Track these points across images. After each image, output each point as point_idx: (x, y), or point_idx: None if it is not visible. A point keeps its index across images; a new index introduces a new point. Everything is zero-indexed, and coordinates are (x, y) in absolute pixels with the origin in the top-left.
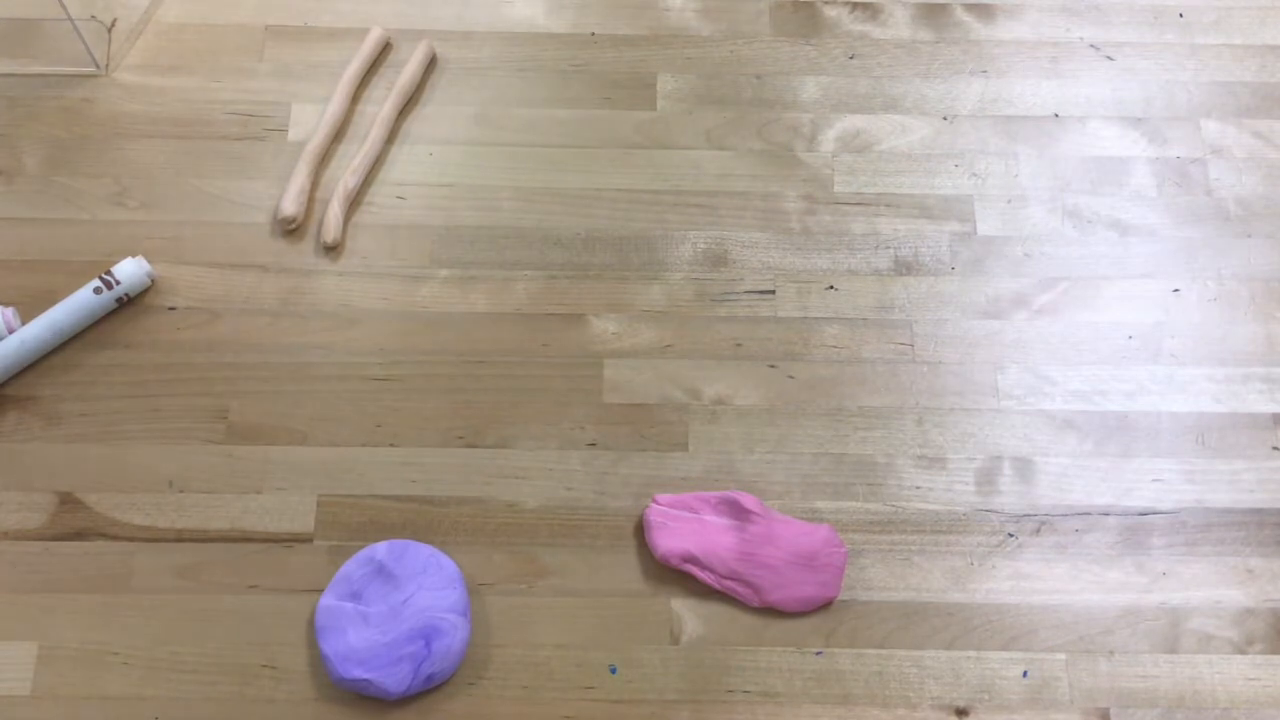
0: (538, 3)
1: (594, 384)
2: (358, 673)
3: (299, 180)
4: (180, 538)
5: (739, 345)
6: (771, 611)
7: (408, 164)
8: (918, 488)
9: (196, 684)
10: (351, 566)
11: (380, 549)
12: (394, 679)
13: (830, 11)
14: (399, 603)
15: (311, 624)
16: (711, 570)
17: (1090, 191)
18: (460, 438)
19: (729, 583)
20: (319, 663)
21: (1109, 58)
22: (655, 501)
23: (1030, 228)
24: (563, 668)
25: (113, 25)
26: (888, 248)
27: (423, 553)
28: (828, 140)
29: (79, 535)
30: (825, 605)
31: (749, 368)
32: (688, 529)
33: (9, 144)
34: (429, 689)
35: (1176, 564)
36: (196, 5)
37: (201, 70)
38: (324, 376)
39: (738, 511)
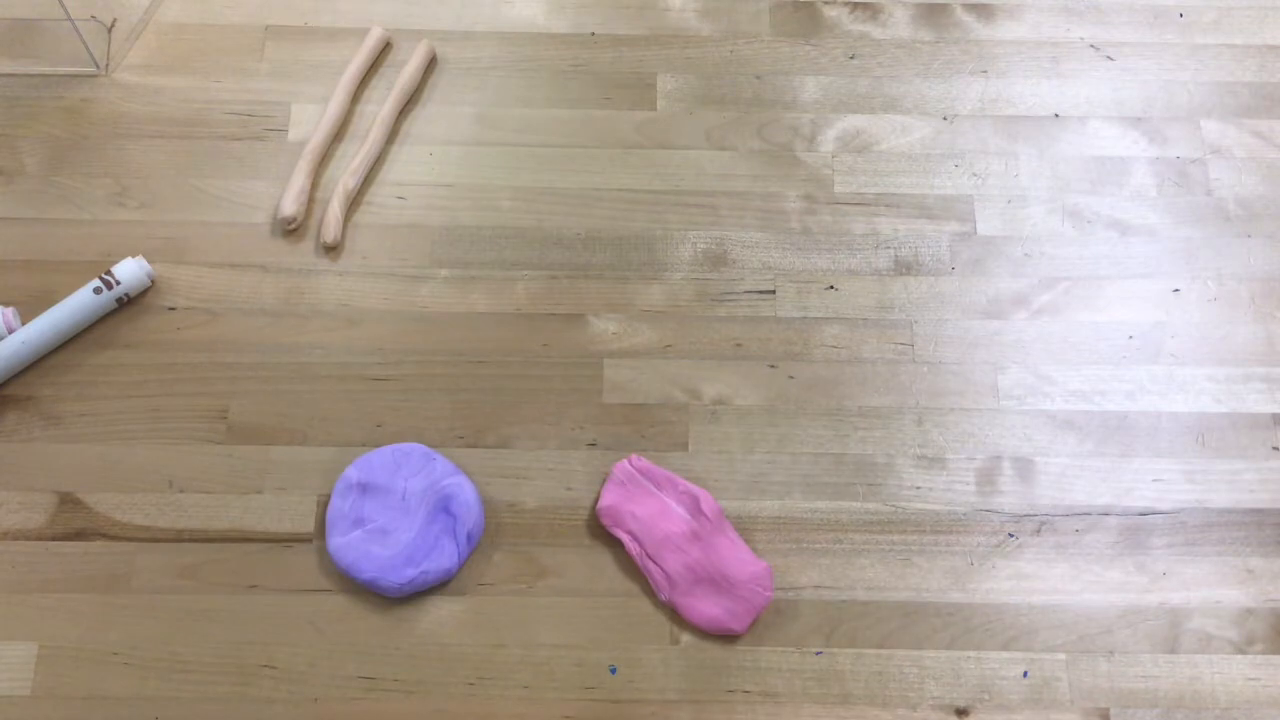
0: (538, 3)
1: (594, 384)
2: (410, 572)
3: (299, 180)
4: (180, 538)
5: (739, 345)
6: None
7: (408, 164)
8: (918, 488)
9: (196, 684)
10: (338, 503)
11: (349, 474)
12: (445, 557)
13: (830, 11)
14: (399, 501)
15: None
16: (640, 544)
17: (1090, 191)
18: (460, 438)
19: (650, 564)
20: (319, 662)
21: (1109, 58)
22: (630, 461)
23: (1030, 228)
24: (563, 668)
25: (113, 25)
26: (888, 248)
27: (386, 454)
28: (828, 140)
29: (79, 535)
30: (729, 635)
31: (749, 368)
32: (643, 499)
33: (9, 144)
34: (473, 550)
35: (1176, 564)
36: (196, 5)
37: (201, 70)
38: (324, 376)
39: (695, 509)
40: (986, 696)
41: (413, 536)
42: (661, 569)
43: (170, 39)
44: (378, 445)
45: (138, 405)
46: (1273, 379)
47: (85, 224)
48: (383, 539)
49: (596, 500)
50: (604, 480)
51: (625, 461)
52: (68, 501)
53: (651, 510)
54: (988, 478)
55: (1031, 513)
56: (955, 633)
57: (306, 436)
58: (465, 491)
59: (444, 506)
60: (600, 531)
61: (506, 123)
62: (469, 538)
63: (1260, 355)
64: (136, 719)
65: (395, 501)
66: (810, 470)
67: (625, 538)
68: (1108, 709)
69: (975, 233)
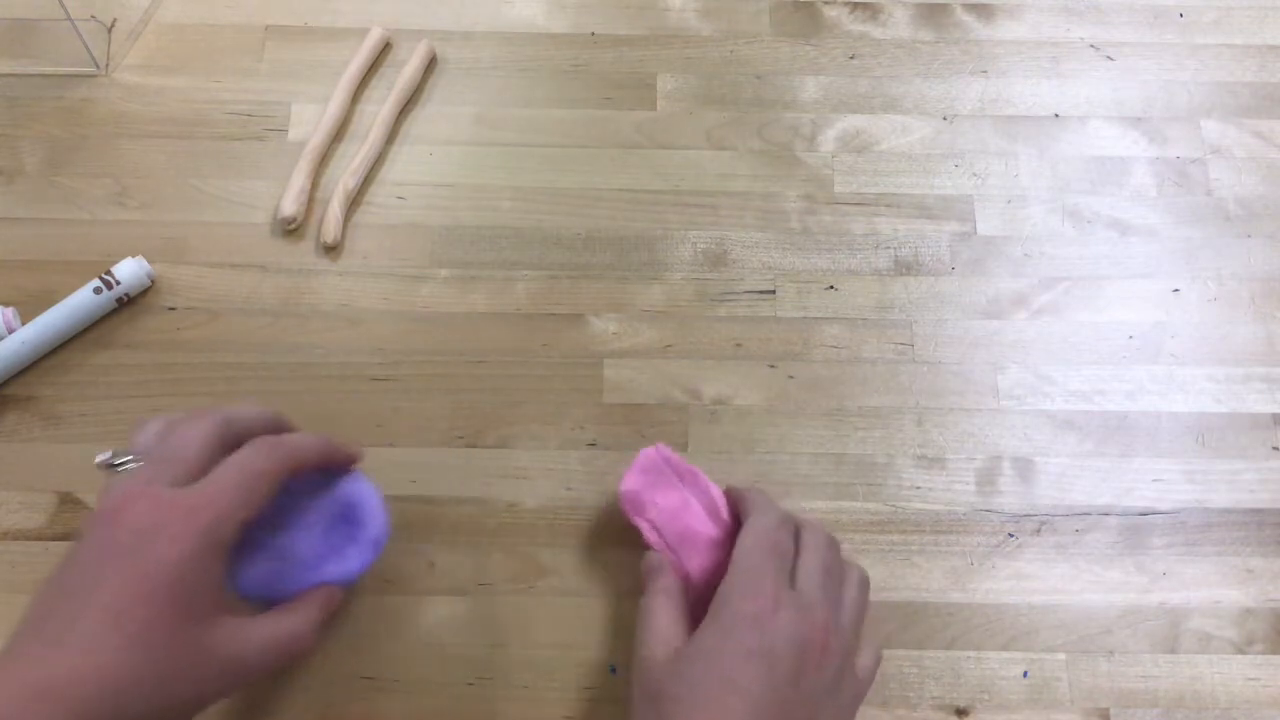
0: (538, 3)
1: (594, 384)
2: (312, 580)
3: (299, 180)
4: None
5: (739, 345)
6: None
7: (408, 164)
8: (918, 488)
9: None
10: None
11: None
12: (347, 563)
13: (830, 11)
14: (296, 514)
15: None
16: (661, 535)
17: (1090, 191)
18: (460, 438)
19: (672, 554)
20: (319, 662)
21: (1109, 58)
22: (657, 449)
23: (1030, 228)
24: (563, 668)
25: (113, 25)
26: (888, 248)
27: None
28: (828, 140)
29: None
30: None
31: (749, 368)
32: (666, 489)
33: (9, 144)
34: (379, 555)
35: (1176, 564)
36: (196, 5)
37: (201, 70)
38: (324, 376)
39: (713, 508)
40: (986, 696)
41: (312, 546)
42: (683, 565)
43: (170, 39)
44: (377, 445)
45: (138, 405)
46: (1273, 379)
47: (85, 224)
48: (280, 553)
49: (618, 483)
50: (629, 464)
51: (653, 449)
52: (68, 501)
53: (673, 502)
54: (988, 478)
55: (1031, 513)
56: (955, 633)
57: None
58: (366, 497)
59: (344, 514)
60: (601, 531)
61: (506, 123)
62: (374, 544)
63: (1260, 355)
64: None
65: (292, 514)
66: (810, 470)
67: (645, 526)
68: (1108, 709)
69: (975, 233)
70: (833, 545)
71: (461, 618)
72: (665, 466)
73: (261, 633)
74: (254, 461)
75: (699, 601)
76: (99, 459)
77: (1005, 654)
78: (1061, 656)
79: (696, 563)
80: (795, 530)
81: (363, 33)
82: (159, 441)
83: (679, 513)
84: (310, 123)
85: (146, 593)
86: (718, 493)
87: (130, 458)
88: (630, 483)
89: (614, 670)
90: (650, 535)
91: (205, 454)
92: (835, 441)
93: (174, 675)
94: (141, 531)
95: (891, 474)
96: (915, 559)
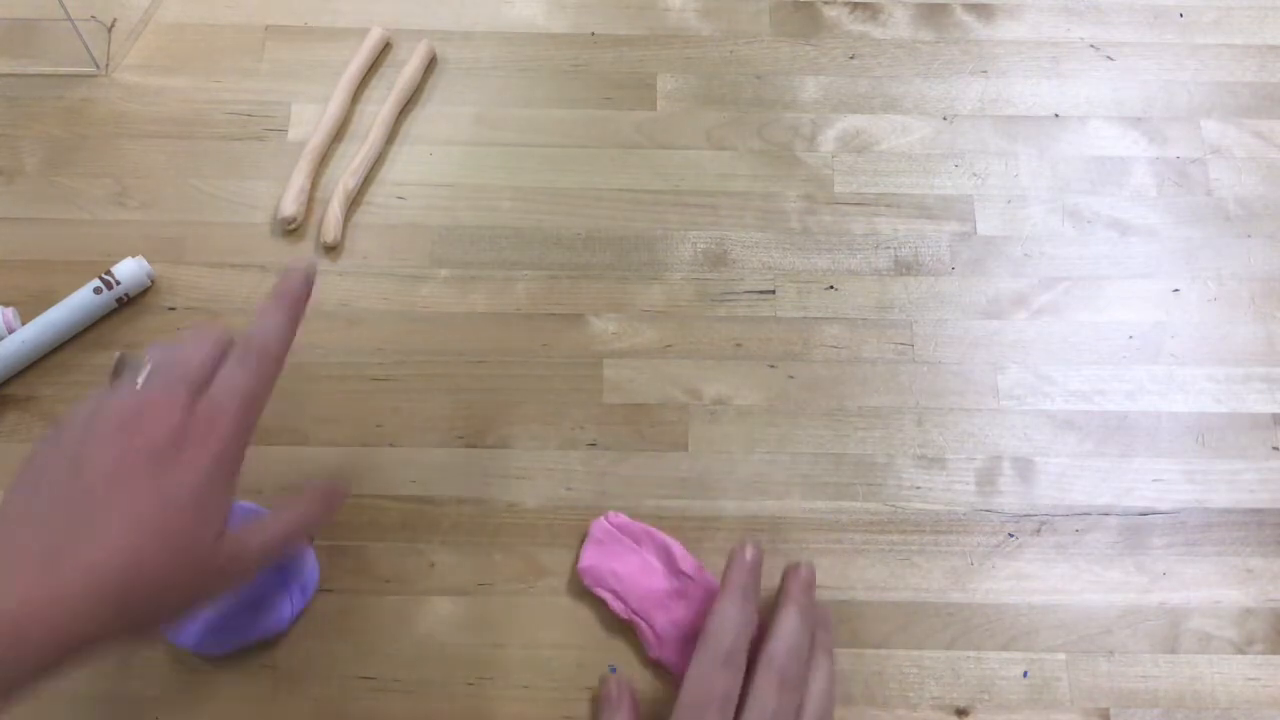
0: (538, 3)
1: (594, 384)
2: (237, 629)
3: (299, 180)
4: None
5: (739, 345)
6: None
7: (408, 164)
8: (918, 488)
9: (196, 683)
10: None
11: None
12: (275, 611)
13: (830, 11)
14: None
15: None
16: (624, 602)
17: (1090, 191)
18: (460, 438)
19: (638, 619)
20: (319, 662)
21: (1109, 58)
22: (606, 518)
23: (1030, 228)
24: (563, 668)
25: (113, 25)
26: (888, 248)
27: None
28: (828, 140)
29: None
30: None
31: (749, 368)
32: (623, 556)
33: (9, 144)
34: (308, 603)
35: (1176, 564)
36: (196, 5)
37: (201, 70)
38: (324, 376)
39: (670, 565)
40: (986, 696)
41: (243, 592)
42: (650, 626)
43: (170, 39)
44: (377, 445)
45: None
46: (1273, 379)
47: (85, 224)
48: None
49: (576, 560)
50: (582, 539)
51: (602, 519)
52: None
53: (632, 567)
54: (988, 478)
55: (1031, 513)
56: (955, 633)
57: (306, 436)
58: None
59: (276, 562)
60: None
61: (506, 123)
62: (302, 590)
63: (1260, 355)
64: (136, 718)
65: None
66: (810, 470)
67: (609, 596)
68: (1108, 709)
69: (975, 233)
70: (785, 687)
71: (461, 618)
72: (617, 533)
73: (258, 539)
74: (247, 385)
75: (674, 655)
76: (116, 359)
77: (1005, 654)
78: (1061, 656)
79: (664, 619)
80: (753, 641)
81: (363, 33)
82: (166, 354)
83: (638, 576)
84: (310, 123)
85: (165, 506)
86: (675, 545)
87: (142, 368)
88: (587, 559)
89: (614, 670)
90: (615, 605)
91: (209, 367)
92: (835, 441)
93: (185, 577)
94: (163, 446)
95: (891, 474)
96: (915, 559)
